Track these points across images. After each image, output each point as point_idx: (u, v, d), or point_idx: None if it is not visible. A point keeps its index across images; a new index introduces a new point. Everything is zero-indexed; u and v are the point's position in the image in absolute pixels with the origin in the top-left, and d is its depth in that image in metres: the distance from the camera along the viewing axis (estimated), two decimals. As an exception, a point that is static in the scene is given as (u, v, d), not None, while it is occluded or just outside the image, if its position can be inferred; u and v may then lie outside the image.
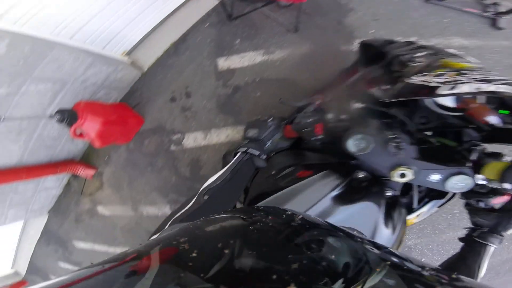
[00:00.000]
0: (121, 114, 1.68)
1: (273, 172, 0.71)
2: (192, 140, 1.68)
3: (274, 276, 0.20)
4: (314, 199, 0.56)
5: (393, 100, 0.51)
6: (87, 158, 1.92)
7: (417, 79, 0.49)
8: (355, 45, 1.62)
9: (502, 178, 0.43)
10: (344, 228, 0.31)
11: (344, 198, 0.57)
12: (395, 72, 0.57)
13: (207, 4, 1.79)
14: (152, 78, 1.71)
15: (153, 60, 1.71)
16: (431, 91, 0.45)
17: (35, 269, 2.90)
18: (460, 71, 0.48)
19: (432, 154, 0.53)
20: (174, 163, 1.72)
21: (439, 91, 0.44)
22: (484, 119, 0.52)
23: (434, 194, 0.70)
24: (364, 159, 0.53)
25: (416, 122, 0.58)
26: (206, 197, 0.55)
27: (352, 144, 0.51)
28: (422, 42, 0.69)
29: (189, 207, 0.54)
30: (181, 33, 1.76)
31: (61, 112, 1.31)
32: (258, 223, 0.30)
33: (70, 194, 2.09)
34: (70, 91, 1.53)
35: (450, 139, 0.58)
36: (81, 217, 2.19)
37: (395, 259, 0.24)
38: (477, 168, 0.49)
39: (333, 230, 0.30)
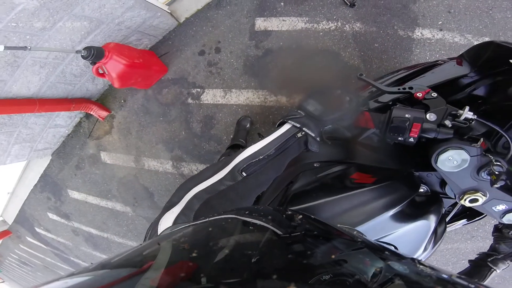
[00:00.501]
0: (146, 60, 1.80)
1: (316, 165, 0.67)
2: (211, 96, 1.74)
3: (274, 276, 0.21)
4: (371, 215, 0.55)
5: None
6: (103, 100, 2.07)
7: None
8: (416, 33, 1.60)
9: None
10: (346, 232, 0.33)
11: (402, 217, 0.56)
12: None
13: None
14: (186, 29, 1.82)
15: (192, 12, 1.82)
16: None
17: (23, 219, 3.13)
18: None
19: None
20: (187, 117, 1.78)
21: None
22: None
23: (467, 214, 0.72)
24: (444, 176, 0.51)
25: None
26: (244, 174, 0.52)
27: (446, 159, 0.48)
28: None
29: (219, 180, 0.51)
30: (227, -13, 1.87)
31: (89, 49, 1.43)
32: (258, 224, 0.31)
33: (78, 136, 2.26)
34: (104, 31, 1.66)
35: None
36: (82, 163, 2.35)
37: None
38: None
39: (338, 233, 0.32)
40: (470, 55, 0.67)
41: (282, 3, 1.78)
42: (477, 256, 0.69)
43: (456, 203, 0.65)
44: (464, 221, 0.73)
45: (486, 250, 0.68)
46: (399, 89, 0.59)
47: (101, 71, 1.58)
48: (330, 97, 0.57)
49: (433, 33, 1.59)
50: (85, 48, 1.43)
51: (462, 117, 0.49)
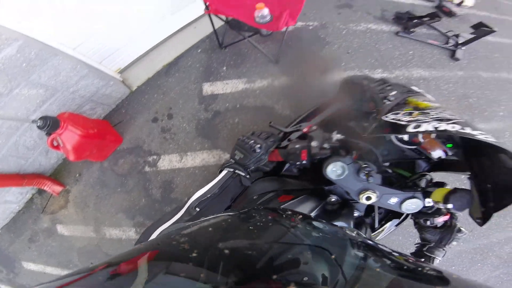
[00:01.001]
0: (101, 130, 1.90)
1: (255, 197, 0.86)
2: (167, 162, 1.89)
3: (274, 276, 0.23)
4: None
5: (371, 136, 0.66)
6: (56, 175, 2.10)
7: (390, 117, 0.64)
8: (329, 78, 1.92)
9: (446, 200, 0.61)
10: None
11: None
12: (371, 109, 0.75)
13: (202, 31, 2.17)
14: (138, 97, 1.99)
15: (143, 80, 2.01)
16: (401, 128, 0.59)
17: (-32, 293, 2.87)
18: (423, 110, 0.63)
19: (391, 182, 0.72)
20: (146, 184, 1.90)
21: (408, 129, 0.57)
22: (434, 152, 0.69)
23: (391, 215, 0.90)
24: (338, 184, 0.67)
25: (380, 154, 0.76)
26: (197, 209, 0.67)
27: (331, 170, 0.65)
28: (393, 80, 0.87)
29: (179, 218, 0.66)
30: (175, 55, 2.10)
31: (44, 118, 1.47)
32: (259, 223, 0.35)
33: (30, 211, 2.22)
34: (59, 100, 1.76)
35: (405, 169, 0.77)
36: (36, 236, 2.29)
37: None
38: (426, 193, 0.67)
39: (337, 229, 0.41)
40: (339, 93, 0.95)
41: (224, 68, 2.05)
42: (415, 248, 0.82)
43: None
44: (394, 221, 0.90)
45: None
46: (293, 129, 0.85)
47: (55, 143, 1.63)
48: (246, 147, 0.78)
49: (340, 74, 1.95)
50: (41, 118, 1.48)
51: (333, 139, 0.69)
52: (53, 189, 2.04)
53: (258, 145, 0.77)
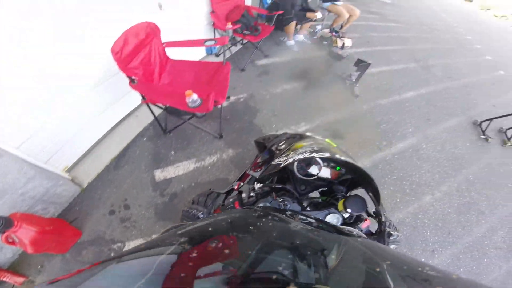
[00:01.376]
0: (57, 227, 1.97)
1: None
2: (133, 246, 2.13)
3: (274, 277, 0.25)
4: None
5: (261, 177, 0.87)
6: (15, 267, 2.13)
7: (275, 161, 0.81)
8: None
9: (345, 207, 0.74)
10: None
11: None
12: (270, 157, 1.00)
13: (144, 119, 2.33)
14: (91, 194, 2.10)
15: (93, 176, 2.11)
16: (279, 166, 0.77)
17: None
18: (296, 150, 0.79)
19: (315, 206, 0.86)
20: (115, 270, 2.13)
21: (281, 165, 0.75)
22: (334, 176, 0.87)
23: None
24: None
25: (300, 189, 0.94)
26: None
27: None
28: (290, 132, 1.13)
29: None
30: (122, 147, 2.25)
31: None
32: (259, 223, 0.38)
33: (-9, 302, 2.23)
34: (8, 202, 1.77)
35: (328, 195, 0.91)
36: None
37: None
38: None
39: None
40: (257, 152, 1.31)
41: (172, 152, 2.31)
42: None
43: None
44: None
45: None
46: (228, 188, 1.12)
47: (10, 240, 1.64)
48: (191, 216, 0.98)
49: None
50: (-8, 218, 1.51)
51: (256, 188, 0.88)
52: (14, 280, 2.06)
53: (201, 212, 0.97)
